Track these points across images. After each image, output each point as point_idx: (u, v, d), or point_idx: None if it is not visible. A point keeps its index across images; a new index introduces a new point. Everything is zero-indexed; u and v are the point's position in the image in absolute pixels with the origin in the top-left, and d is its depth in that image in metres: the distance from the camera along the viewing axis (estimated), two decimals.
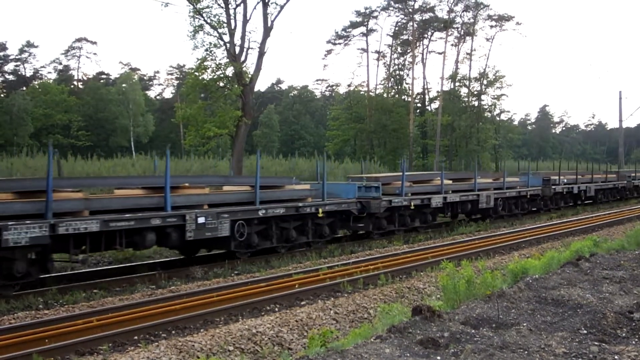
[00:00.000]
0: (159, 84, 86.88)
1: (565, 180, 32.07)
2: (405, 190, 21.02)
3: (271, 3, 29.32)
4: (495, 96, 52.63)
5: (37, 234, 11.08)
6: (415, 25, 50.57)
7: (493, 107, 53.80)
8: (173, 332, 9.10)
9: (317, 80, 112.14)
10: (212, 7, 28.41)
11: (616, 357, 5.26)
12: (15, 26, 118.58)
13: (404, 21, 52.19)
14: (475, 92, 51.80)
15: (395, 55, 54.47)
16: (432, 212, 22.66)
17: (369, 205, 19.27)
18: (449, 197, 23.00)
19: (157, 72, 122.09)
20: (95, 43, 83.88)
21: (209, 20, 28.32)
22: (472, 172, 25.99)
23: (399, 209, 20.84)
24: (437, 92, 53.45)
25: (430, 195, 22.05)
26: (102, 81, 71.84)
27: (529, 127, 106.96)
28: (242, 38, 28.82)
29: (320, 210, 17.39)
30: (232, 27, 28.65)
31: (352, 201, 18.81)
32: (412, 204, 21.03)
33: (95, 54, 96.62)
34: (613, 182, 38.03)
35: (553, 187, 29.92)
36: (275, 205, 16.30)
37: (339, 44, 54.17)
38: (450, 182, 24.40)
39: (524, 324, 6.25)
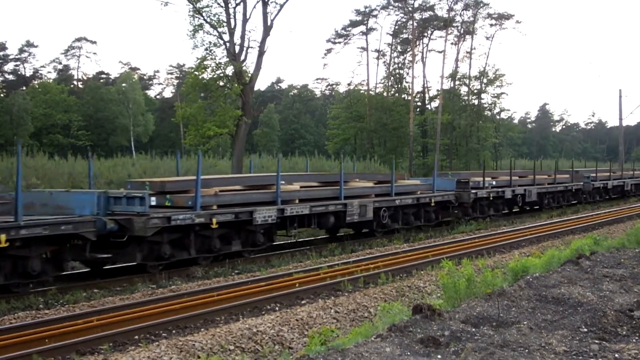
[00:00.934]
0: (159, 84, 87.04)
1: (494, 183, 26.73)
2: (210, 200, 15.30)
3: (271, 2, 29.28)
4: (495, 95, 52.63)
5: None
6: (415, 24, 50.49)
7: (493, 105, 53.81)
8: (173, 331, 9.11)
9: (317, 79, 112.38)
10: (211, 6, 28.38)
11: (616, 355, 5.26)
12: (15, 26, 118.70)
13: (404, 20, 52.14)
14: (475, 91, 51.77)
15: (395, 54, 54.45)
16: (266, 230, 16.62)
17: (131, 226, 13.18)
18: (290, 209, 16.96)
19: (157, 71, 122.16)
20: (95, 43, 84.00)
21: (208, 20, 28.30)
22: (338, 175, 19.59)
23: (192, 228, 14.71)
24: (437, 90, 53.40)
25: (254, 208, 15.90)
26: (102, 81, 71.82)
27: (529, 126, 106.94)
28: (242, 37, 28.81)
29: (2, 237, 10.98)
30: (232, 26, 28.62)
31: (86, 219, 12.40)
32: (215, 220, 14.82)
33: (95, 53, 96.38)
34: (565, 183, 32.04)
35: (474, 191, 24.49)
36: None
37: (339, 42, 54.10)
38: (297, 188, 18.50)
39: (525, 323, 6.25)
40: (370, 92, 53.42)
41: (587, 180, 33.98)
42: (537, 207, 30.35)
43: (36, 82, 69.32)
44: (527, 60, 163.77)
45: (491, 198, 26.05)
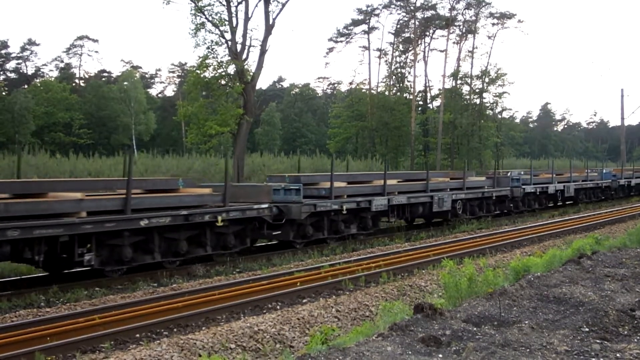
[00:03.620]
0: (161, 82, 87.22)
1: None
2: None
3: (273, 1, 29.30)
4: (497, 94, 52.57)
5: None
6: (417, 23, 50.46)
7: (495, 104, 53.76)
8: (175, 330, 9.12)
9: (318, 78, 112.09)
10: (213, 4, 28.39)
11: (618, 355, 5.26)
12: (17, 24, 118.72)
13: (406, 19, 52.11)
14: (477, 90, 51.73)
15: (396, 53, 54.39)
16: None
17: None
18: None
19: (159, 70, 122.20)
20: (96, 41, 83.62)
21: (210, 18, 28.29)
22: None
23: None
24: (439, 89, 53.37)
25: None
26: (103, 79, 71.81)
27: (531, 125, 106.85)
28: (244, 36, 28.81)
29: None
30: (234, 25, 28.62)
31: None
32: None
33: (97, 52, 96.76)
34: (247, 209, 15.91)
35: None
36: None
37: (341, 41, 54.13)
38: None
39: (526, 322, 6.25)
40: (372, 91, 53.39)
41: (322, 191, 18.71)
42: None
43: (38, 80, 69.29)
44: (529, 59, 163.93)
45: None
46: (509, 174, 28.60)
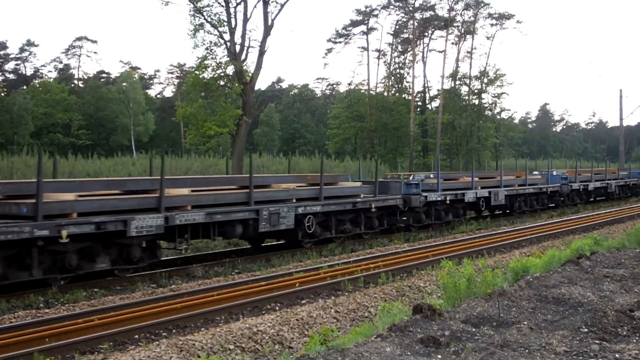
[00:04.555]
0: (160, 83, 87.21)
1: None
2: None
3: (272, 2, 29.37)
4: (496, 94, 52.74)
5: None
6: (416, 23, 50.58)
7: (493, 105, 53.92)
8: (174, 330, 9.11)
9: (317, 78, 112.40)
10: (212, 5, 28.47)
11: (617, 355, 5.26)
12: (16, 25, 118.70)
13: (405, 20, 52.26)
14: (476, 91, 51.84)
15: (395, 54, 54.59)
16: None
17: None
18: None
19: (158, 70, 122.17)
20: (95, 42, 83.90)
21: (209, 19, 28.36)
22: None
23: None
24: (438, 90, 53.57)
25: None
26: (102, 80, 71.78)
27: (530, 126, 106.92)
28: (243, 37, 28.87)
29: None
30: (233, 26, 28.68)
31: None
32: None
33: (95, 52, 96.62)
34: None
35: None
36: None
37: (340, 42, 54.29)
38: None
39: (525, 323, 6.25)
40: (371, 91, 53.49)
41: (24, 209, 12.87)
42: None
43: (37, 81, 69.30)
44: (527, 60, 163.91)
45: None
46: (411, 177, 23.07)
